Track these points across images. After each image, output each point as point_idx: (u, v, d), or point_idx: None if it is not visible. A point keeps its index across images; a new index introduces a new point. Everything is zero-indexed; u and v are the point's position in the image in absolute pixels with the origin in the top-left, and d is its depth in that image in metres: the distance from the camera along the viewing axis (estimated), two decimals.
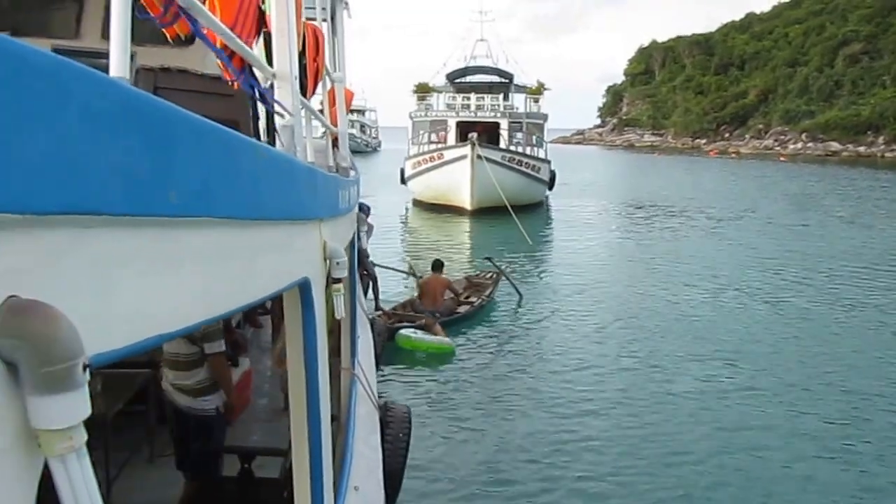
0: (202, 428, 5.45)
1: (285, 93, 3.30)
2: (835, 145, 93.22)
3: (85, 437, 0.99)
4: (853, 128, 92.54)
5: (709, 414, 10.44)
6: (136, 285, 1.28)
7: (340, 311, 3.71)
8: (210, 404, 5.47)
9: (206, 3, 2.34)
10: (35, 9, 7.46)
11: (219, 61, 3.10)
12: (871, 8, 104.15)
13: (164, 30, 2.19)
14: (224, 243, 1.80)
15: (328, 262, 3.53)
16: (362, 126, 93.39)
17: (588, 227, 31.21)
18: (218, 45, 2.74)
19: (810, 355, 13.26)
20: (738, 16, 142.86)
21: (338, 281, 3.61)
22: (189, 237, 1.53)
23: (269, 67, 3.24)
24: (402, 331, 13.18)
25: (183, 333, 1.52)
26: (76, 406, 0.96)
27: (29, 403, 0.94)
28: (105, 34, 7.06)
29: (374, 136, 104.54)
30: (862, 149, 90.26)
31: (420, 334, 13.15)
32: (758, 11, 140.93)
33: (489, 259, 18.26)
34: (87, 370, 0.99)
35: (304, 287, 2.97)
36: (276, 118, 3.29)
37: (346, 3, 10.63)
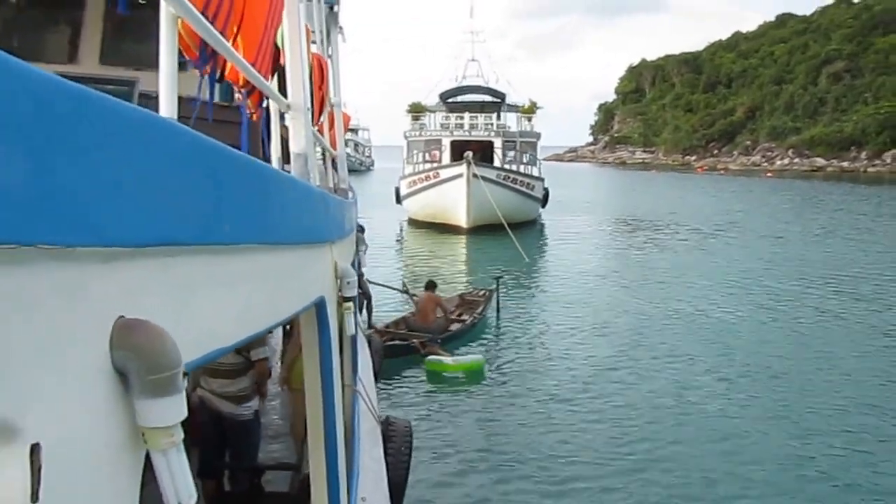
0: (243, 432, 5.75)
1: (298, 123, 3.50)
2: (820, 161, 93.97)
3: (182, 434, 1.17)
4: (837, 144, 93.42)
5: (720, 430, 10.57)
6: (203, 304, 1.47)
7: (352, 328, 3.89)
8: (250, 410, 5.80)
9: (231, 42, 2.54)
10: (29, 32, 7.27)
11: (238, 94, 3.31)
12: (852, 28, 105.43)
13: (198, 70, 2.38)
14: (261, 266, 1.99)
15: (339, 281, 3.71)
16: (356, 145, 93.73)
17: (581, 243, 31.54)
18: (240, 81, 2.95)
19: (797, 362, 13.61)
20: (725, 35, 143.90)
21: (348, 300, 3.79)
22: (236, 261, 1.72)
23: (283, 99, 3.44)
24: (430, 357, 13.21)
25: (236, 347, 1.71)
26: (177, 408, 1.14)
27: (137, 406, 1.12)
28: (104, 59, 7.14)
29: (367, 154, 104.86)
30: (846, 164, 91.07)
31: (449, 359, 13.18)
32: (744, 31, 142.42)
33: (498, 279, 18.23)
34: (186, 378, 1.17)
35: (319, 306, 3.14)
36: (291, 145, 3.48)
37: (341, 28, 10.84)
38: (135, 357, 1.09)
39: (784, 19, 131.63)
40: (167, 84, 1.95)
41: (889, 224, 38.24)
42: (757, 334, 15.84)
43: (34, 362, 0.90)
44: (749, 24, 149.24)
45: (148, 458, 1.16)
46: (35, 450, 0.89)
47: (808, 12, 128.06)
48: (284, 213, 2.31)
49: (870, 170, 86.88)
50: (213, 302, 1.54)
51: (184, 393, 1.16)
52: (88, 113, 0.99)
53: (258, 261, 1.94)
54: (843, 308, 18.20)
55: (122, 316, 1.11)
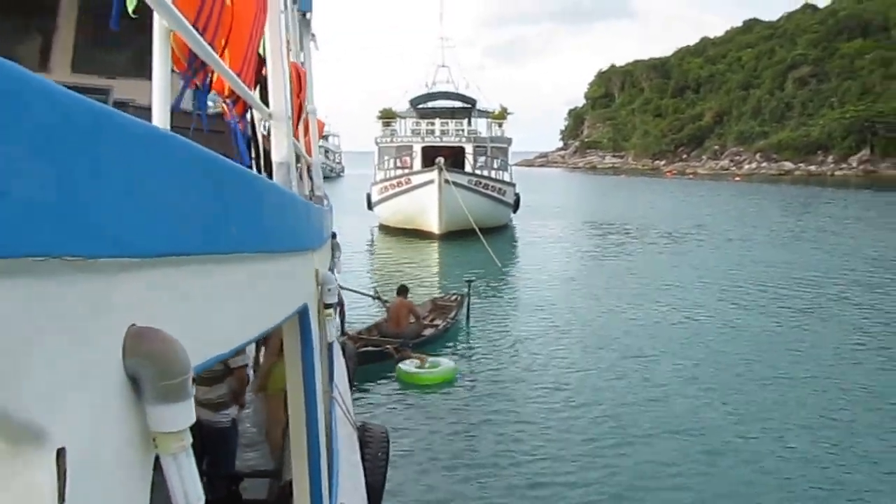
0: (221, 438, 5.75)
1: (280, 132, 3.54)
2: (787, 165, 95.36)
3: (191, 438, 1.21)
4: (804, 147, 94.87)
5: (689, 429, 10.78)
6: (205, 312, 1.52)
7: (332, 335, 3.93)
8: (228, 417, 5.81)
9: (220, 53, 2.58)
10: None
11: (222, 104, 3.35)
12: (818, 33, 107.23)
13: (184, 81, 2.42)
14: (255, 273, 2.04)
15: (320, 288, 3.75)
16: (326, 151, 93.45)
17: (552, 247, 31.78)
18: (226, 91, 2.99)
19: (765, 362, 13.83)
20: (693, 40, 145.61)
21: (329, 306, 3.83)
22: (234, 270, 1.77)
23: (265, 108, 3.47)
24: (402, 365, 13.19)
25: (231, 355, 1.75)
26: (187, 413, 1.19)
27: (149, 411, 1.16)
28: (76, 67, 7.07)
29: (337, 161, 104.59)
30: (813, 168, 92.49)
31: (421, 369, 13.08)
32: (712, 36, 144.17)
33: (470, 284, 18.36)
34: (194, 383, 1.21)
35: (303, 313, 3.18)
36: (273, 154, 3.52)
37: (314, 35, 10.86)
38: (148, 364, 1.13)
39: (751, 25, 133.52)
40: (160, 96, 2.00)
41: (854, 226, 38.94)
42: (725, 336, 16.10)
43: (61, 369, 0.94)
44: (717, 30, 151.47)
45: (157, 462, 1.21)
46: (61, 454, 0.93)
47: (774, 18, 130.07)
48: (275, 222, 2.36)
49: (836, 173, 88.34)
50: (214, 309, 1.59)
51: (192, 398, 1.21)
52: (107, 128, 1.04)
53: (253, 269, 1.99)
54: (809, 308, 18.58)
55: (134, 324, 1.15)
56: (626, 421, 11.09)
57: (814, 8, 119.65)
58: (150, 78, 2.03)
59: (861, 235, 34.45)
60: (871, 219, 42.36)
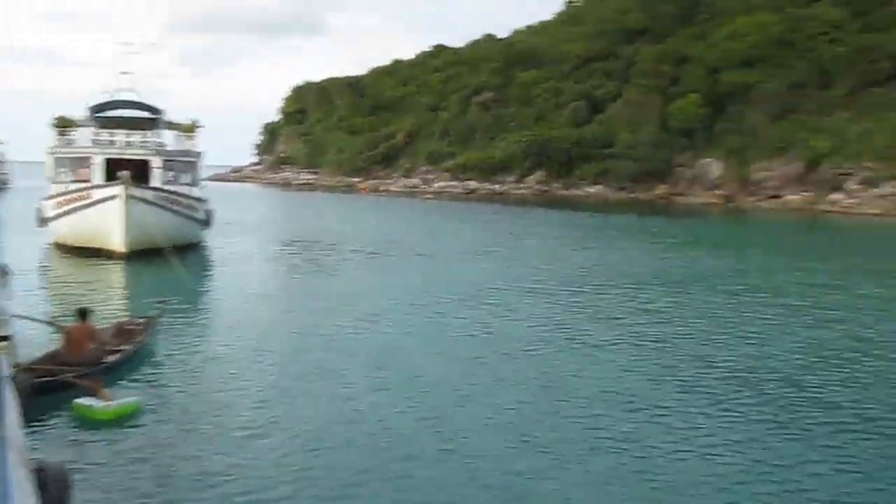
0: None
1: None
2: (473, 184, 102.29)
3: None
4: (488, 168, 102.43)
5: (384, 439, 11.21)
6: None
7: (5, 370, 3.58)
8: None
9: None
10: None
11: None
12: (499, 62, 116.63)
13: None
14: None
15: None
16: None
17: (248, 265, 31.32)
18: None
19: (451, 369, 14.78)
20: (386, 61, 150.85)
21: (4, 339, 3.49)
22: None
23: None
24: (78, 400, 12.06)
25: None
26: None
27: None
28: None
29: (3, 171, 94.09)
30: (496, 187, 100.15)
31: (98, 403, 12.01)
32: (404, 58, 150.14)
33: (159, 305, 17.49)
34: None
35: None
36: None
37: None
38: None
39: (439, 50, 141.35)
40: None
41: (530, 239, 43.59)
42: (417, 349, 16.92)
43: None
44: (408, 53, 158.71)
45: None
46: None
47: (461, 44, 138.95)
48: None
49: (517, 192, 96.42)
50: None
51: None
52: None
53: None
54: (488, 318, 20.16)
55: None
56: (321, 435, 11.34)
57: (494, 38, 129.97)
58: None
59: (538, 247, 38.63)
60: (542, 233, 47.61)
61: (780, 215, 65.47)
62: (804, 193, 72.43)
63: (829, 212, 65.46)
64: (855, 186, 69.05)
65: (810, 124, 76.25)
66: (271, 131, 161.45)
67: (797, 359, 16.51)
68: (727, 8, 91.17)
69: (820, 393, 14.09)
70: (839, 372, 15.48)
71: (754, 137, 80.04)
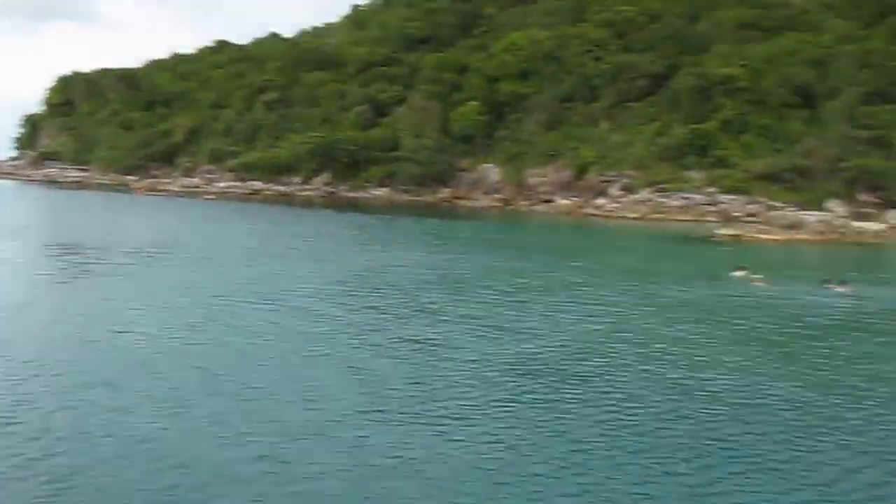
0: None
1: None
2: (258, 184, 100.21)
3: None
4: (273, 168, 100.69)
5: (147, 447, 11.24)
6: None
7: None
8: None
9: None
10: None
11: None
12: (284, 61, 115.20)
13: None
14: None
15: None
16: None
17: (4, 273, 29.23)
18: None
19: (228, 365, 15.13)
20: (164, 54, 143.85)
21: None
22: None
23: None
24: None
25: None
26: None
27: None
28: None
29: None
30: (282, 188, 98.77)
31: None
32: (183, 53, 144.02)
33: None
34: None
35: None
36: None
37: None
38: None
39: (222, 46, 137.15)
40: None
41: (315, 241, 43.79)
42: (187, 354, 17.11)
43: None
44: (188, 47, 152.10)
45: None
46: None
47: (244, 41, 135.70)
48: None
49: (302, 193, 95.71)
50: None
51: None
52: None
53: None
54: (275, 319, 20.49)
55: None
56: (83, 445, 11.71)
57: (279, 37, 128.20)
58: None
59: (324, 249, 39.11)
60: (328, 235, 48.09)
61: (552, 218, 70.02)
62: (573, 198, 77.71)
63: (594, 215, 70.77)
64: (616, 192, 75.05)
65: (578, 134, 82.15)
66: (33, 124, 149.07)
67: (564, 351, 18.29)
68: (504, 22, 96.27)
69: (582, 382, 15.81)
70: (599, 360, 17.44)
71: (530, 145, 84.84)
